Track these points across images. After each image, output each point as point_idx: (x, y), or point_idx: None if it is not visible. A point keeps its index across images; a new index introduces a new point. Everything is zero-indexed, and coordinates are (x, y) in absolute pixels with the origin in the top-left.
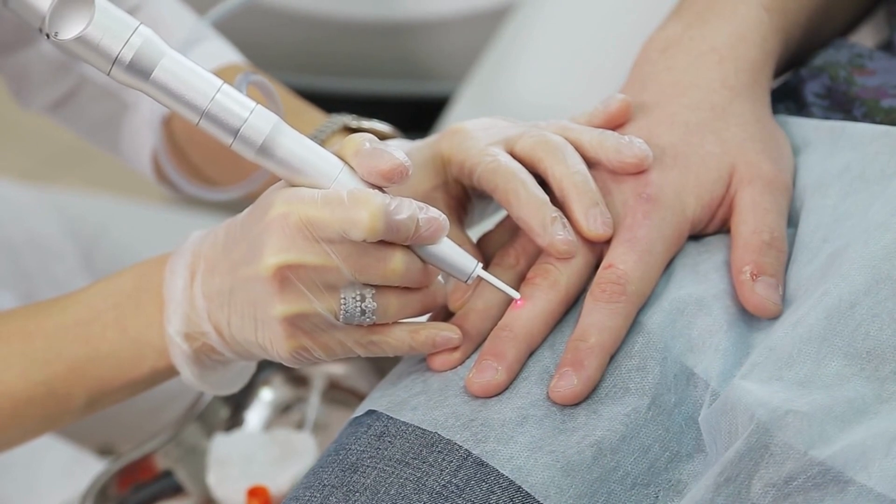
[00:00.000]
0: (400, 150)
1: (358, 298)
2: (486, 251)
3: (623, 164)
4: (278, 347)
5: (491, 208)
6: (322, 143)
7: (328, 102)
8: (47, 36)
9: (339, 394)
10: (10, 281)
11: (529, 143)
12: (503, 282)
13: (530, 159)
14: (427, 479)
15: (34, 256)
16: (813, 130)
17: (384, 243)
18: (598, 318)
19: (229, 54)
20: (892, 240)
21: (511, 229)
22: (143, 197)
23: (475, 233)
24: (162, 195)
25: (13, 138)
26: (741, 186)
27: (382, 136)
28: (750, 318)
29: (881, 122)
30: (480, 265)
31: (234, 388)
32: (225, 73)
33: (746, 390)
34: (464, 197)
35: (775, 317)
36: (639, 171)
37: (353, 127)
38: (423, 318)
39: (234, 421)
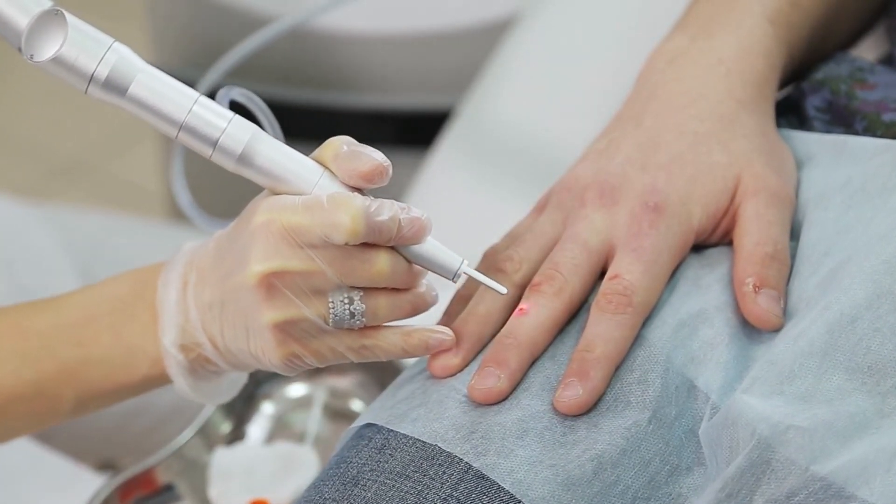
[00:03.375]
0: (377, 151)
1: (346, 301)
2: (490, 261)
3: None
4: (270, 355)
5: None
6: None
7: (327, 117)
8: (26, 57)
9: (340, 407)
10: (8, 298)
11: None
12: (504, 288)
13: None
14: (428, 493)
15: (32, 273)
16: (815, 144)
17: (368, 245)
18: (605, 329)
19: None
20: (893, 254)
21: (515, 236)
22: (140, 211)
23: (480, 238)
24: (160, 210)
25: (9, 153)
26: (745, 198)
27: None
28: (751, 330)
29: (882, 136)
30: (466, 262)
31: (226, 398)
32: None
33: (748, 405)
34: None
35: (777, 329)
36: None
37: None
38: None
39: (236, 434)
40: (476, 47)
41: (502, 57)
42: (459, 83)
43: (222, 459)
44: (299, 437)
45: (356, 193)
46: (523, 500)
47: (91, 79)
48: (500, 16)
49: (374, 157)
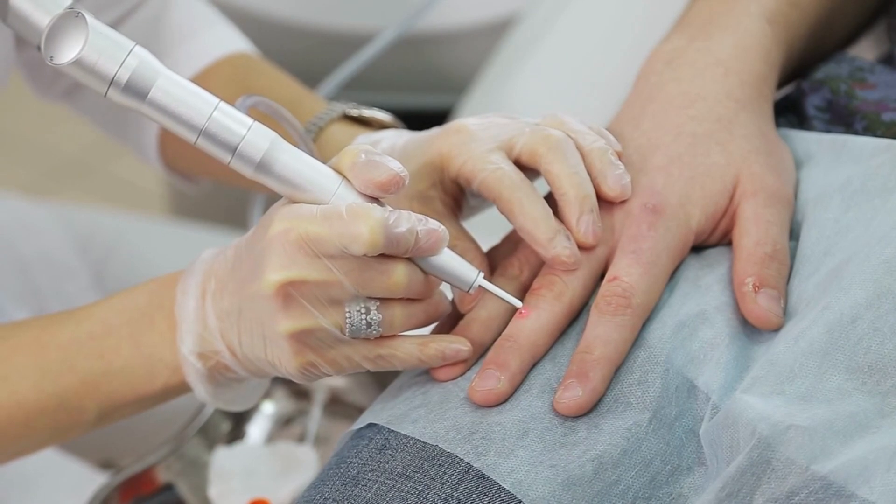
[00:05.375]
0: (395, 160)
1: (363, 311)
2: (492, 264)
3: (600, 189)
4: (286, 364)
5: (486, 204)
6: (320, 130)
7: None
8: (46, 58)
9: (340, 407)
10: (23, 299)
11: (530, 140)
12: (506, 292)
13: (530, 156)
14: (428, 493)
15: (46, 274)
16: (815, 144)
17: (385, 256)
18: (604, 331)
19: (238, 42)
20: (893, 254)
21: (516, 240)
22: (142, 209)
23: (480, 239)
24: (160, 210)
25: (13, 151)
26: (744, 198)
27: (382, 125)
28: (751, 330)
29: (882, 136)
30: (482, 274)
31: (247, 404)
32: (233, 61)
33: (748, 404)
34: (459, 194)
35: (777, 329)
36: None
37: (353, 115)
38: (427, 330)
39: (236, 434)
40: (476, 47)
41: (503, 57)
42: (459, 83)
43: (222, 459)
44: (299, 437)
45: (374, 204)
46: (524, 500)
47: (111, 82)
48: (500, 16)
49: (390, 166)
